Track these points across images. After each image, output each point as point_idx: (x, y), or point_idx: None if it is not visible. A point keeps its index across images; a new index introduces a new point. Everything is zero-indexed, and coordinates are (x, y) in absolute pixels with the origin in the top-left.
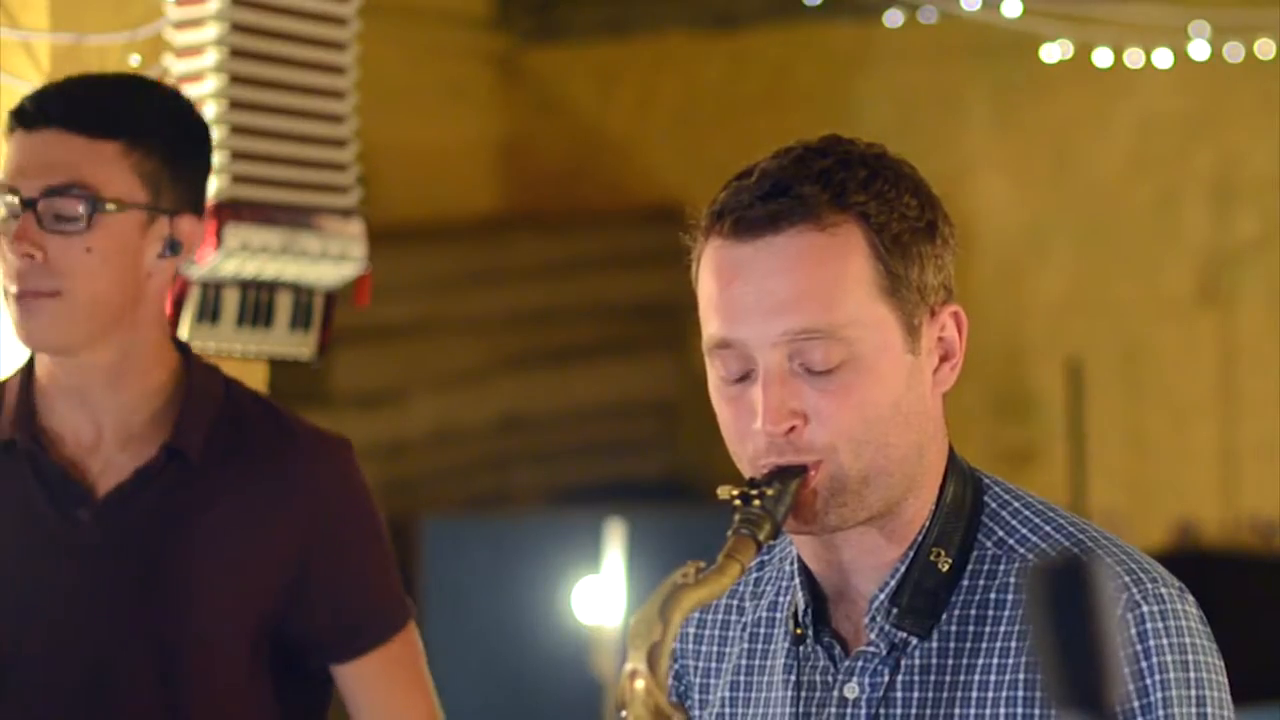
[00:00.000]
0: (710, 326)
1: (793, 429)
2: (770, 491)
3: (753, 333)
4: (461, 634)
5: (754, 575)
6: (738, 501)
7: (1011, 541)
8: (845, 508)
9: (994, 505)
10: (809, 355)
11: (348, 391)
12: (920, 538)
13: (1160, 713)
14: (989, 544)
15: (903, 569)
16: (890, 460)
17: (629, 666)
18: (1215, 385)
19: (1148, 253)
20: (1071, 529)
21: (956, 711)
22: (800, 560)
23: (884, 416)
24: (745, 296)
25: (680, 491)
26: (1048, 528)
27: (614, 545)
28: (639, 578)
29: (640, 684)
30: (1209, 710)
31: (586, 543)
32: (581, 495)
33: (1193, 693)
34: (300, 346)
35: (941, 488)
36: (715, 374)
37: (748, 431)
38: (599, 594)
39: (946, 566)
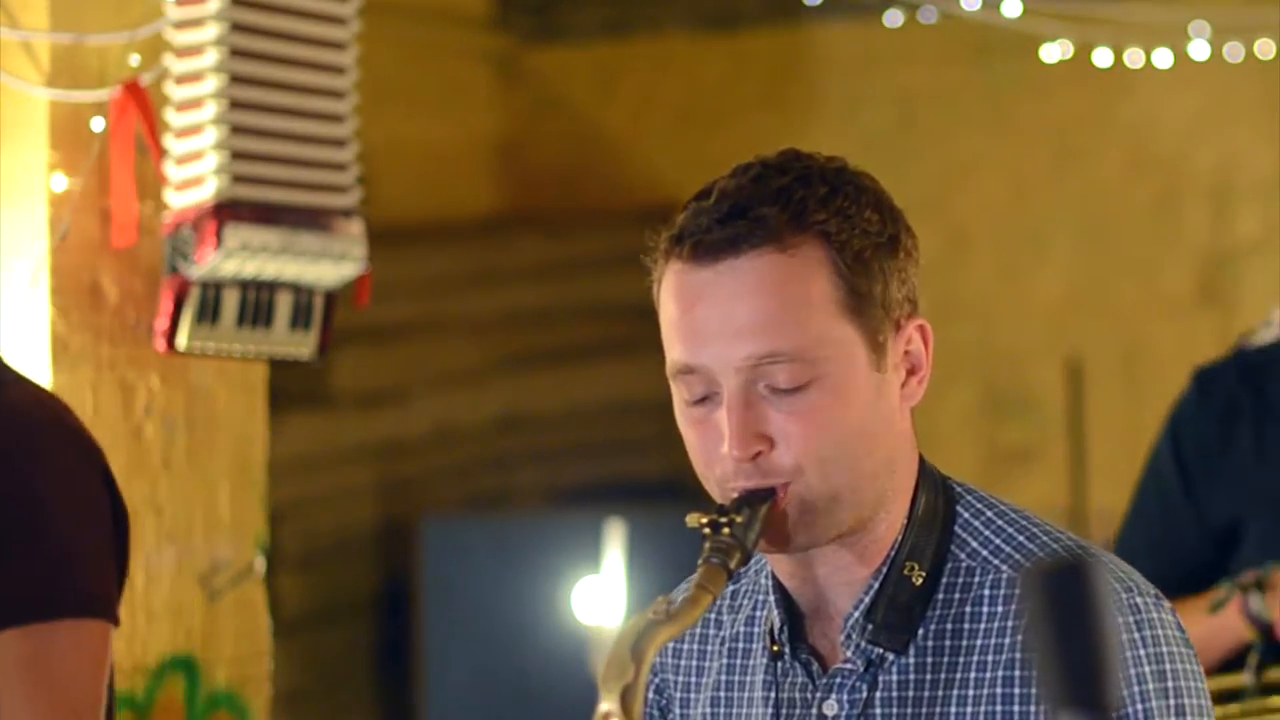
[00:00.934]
0: (673, 351)
1: (759, 453)
2: (739, 518)
3: (716, 357)
4: (461, 634)
5: (730, 589)
6: (707, 530)
7: (985, 553)
8: (815, 527)
9: (966, 515)
10: (774, 378)
11: (348, 391)
12: (893, 553)
13: None
14: (963, 555)
15: (876, 585)
16: (859, 478)
17: (603, 708)
18: None
19: (1148, 253)
20: (1045, 538)
21: None
22: (775, 577)
23: (852, 435)
24: (708, 321)
25: (680, 491)
26: (1021, 537)
27: (614, 545)
28: (639, 578)
29: None
30: (1188, 719)
31: (586, 543)
32: (581, 495)
33: (1171, 702)
34: (300, 346)
35: (913, 500)
36: (680, 398)
37: (715, 455)
38: (599, 594)
39: (920, 580)
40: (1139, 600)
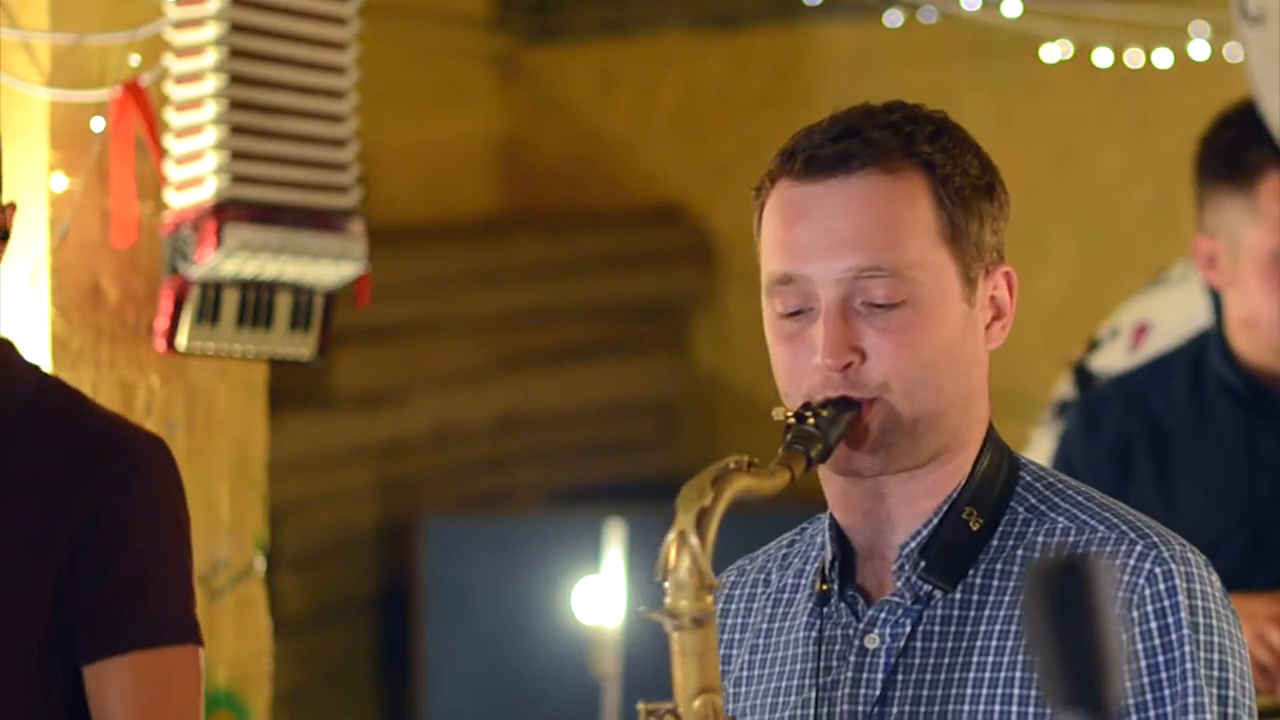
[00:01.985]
0: (773, 263)
1: (849, 365)
2: (825, 414)
3: (817, 269)
4: (461, 634)
5: (782, 551)
6: (792, 420)
7: (1043, 508)
8: (894, 448)
9: (1028, 478)
10: (871, 293)
11: (348, 391)
12: (956, 494)
13: (1188, 665)
14: (1021, 509)
15: (936, 521)
16: (941, 404)
17: (677, 528)
18: None
19: (1148, 253)
20: (1104, 500)
21: (975, 659)
22: (832, 519)
23: (939, 359)
24: (811, 234)
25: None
26: (1079, 497)
27: (614, 545)
28: (639, 578)
29: (687, 550)
30: (1230, 677)
31: (586, 543)
32: (581, 495)
33: (1215, 656)
34: (300, 346)
35: (980, 452)
36: (773, 311)
37: (804, 368)
38: (599, 594)
39: (977, 526)
40: (1191, 556)
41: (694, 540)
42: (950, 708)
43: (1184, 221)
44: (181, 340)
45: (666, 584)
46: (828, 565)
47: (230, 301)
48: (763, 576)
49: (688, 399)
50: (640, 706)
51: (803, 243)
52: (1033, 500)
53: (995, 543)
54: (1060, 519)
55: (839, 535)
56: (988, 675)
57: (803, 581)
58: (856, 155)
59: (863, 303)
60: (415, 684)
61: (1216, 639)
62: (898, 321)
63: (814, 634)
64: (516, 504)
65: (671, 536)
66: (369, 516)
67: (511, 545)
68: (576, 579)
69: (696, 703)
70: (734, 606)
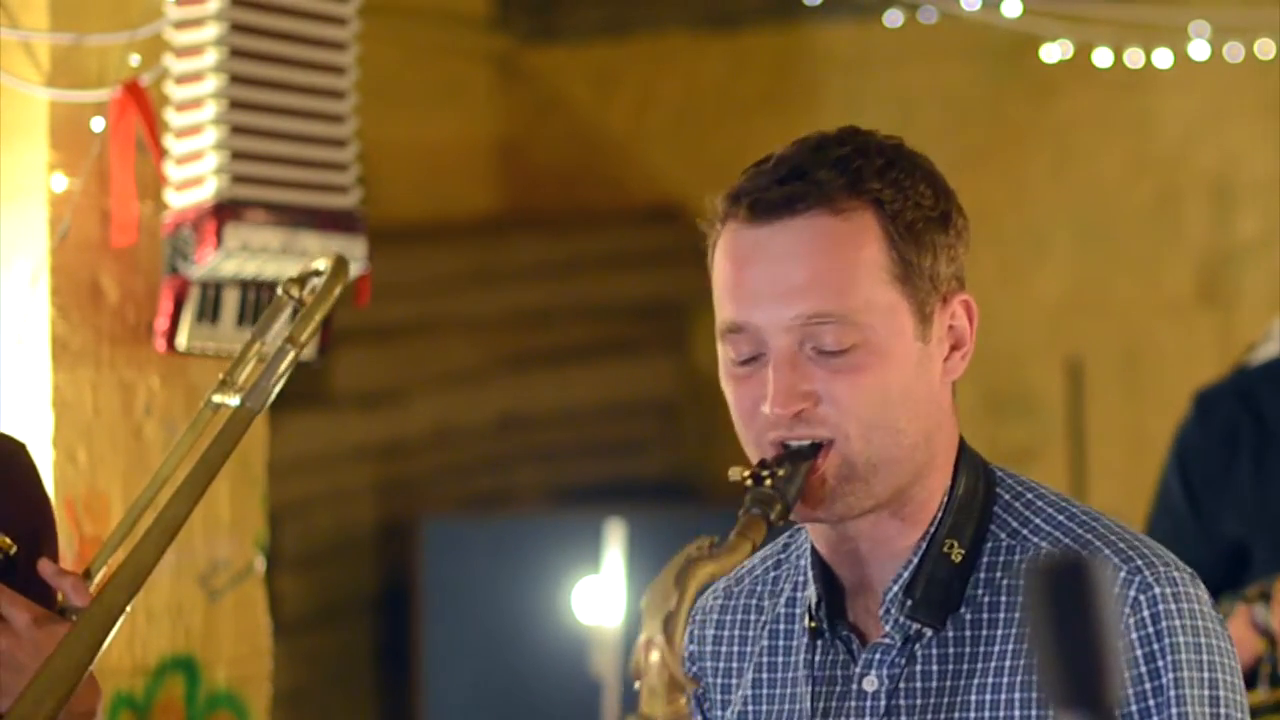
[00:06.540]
0: (724, 311)
1: (800, 411)
2: (781, 472)
3: (765, 317)
4: (461, 634)
5: (771, 574)
6: (749, 482)
7: (1025, 531)
8: (852, 495)
9: (1007, 497)
10: (821, 339)
11: (348, 391)
12: (933, 529)
13: (1172, 693)
14: (1003, 535)
15: (916, 560)
16: (900, 447)
17: (644, 636)
18: None
19: (1148, 253)
20: (1085, 517)
21: (974, 699)
22: (815, 554)
23: (894, 400)
24: (759, 280)
25: (680, 491)
26: (1061, 517)
27: (614, 545)
28: (639, 578)
29: (655, 655)
30: (1221, 694)
31: (586, 543)
32: (581, 495)
33: (1205, 675)
34: None
35: (954, 479)
36: (726, 357)
37: (756, 413)
38: (599, 594)
39: (959, 557)
40: (1177, 575)
41: (662, 646)
42: None
43: (1183, 221)
44: (181, 340)
45: (639, 687)
46: (814, 606)
47: (230, 301)
48: (754, 603)
49: (687, 399)
50: None
51: (750, 290)
52: (1013, 524)
53: (983, 575)
54: (1044, 544)
55: (824, 572)
56: (989, 699)
57: (796, 611)
58: (802, 198)
59: (813, 349)
60: (415, 684)
61: (1207, 656)
62: (850, 365)
63: (811, 673)
64: (516, 504)
65: (640, 644)
66: (369, 516)
67: (511, 545)
68: (576, 579)
69: None
70: (727, 634)
